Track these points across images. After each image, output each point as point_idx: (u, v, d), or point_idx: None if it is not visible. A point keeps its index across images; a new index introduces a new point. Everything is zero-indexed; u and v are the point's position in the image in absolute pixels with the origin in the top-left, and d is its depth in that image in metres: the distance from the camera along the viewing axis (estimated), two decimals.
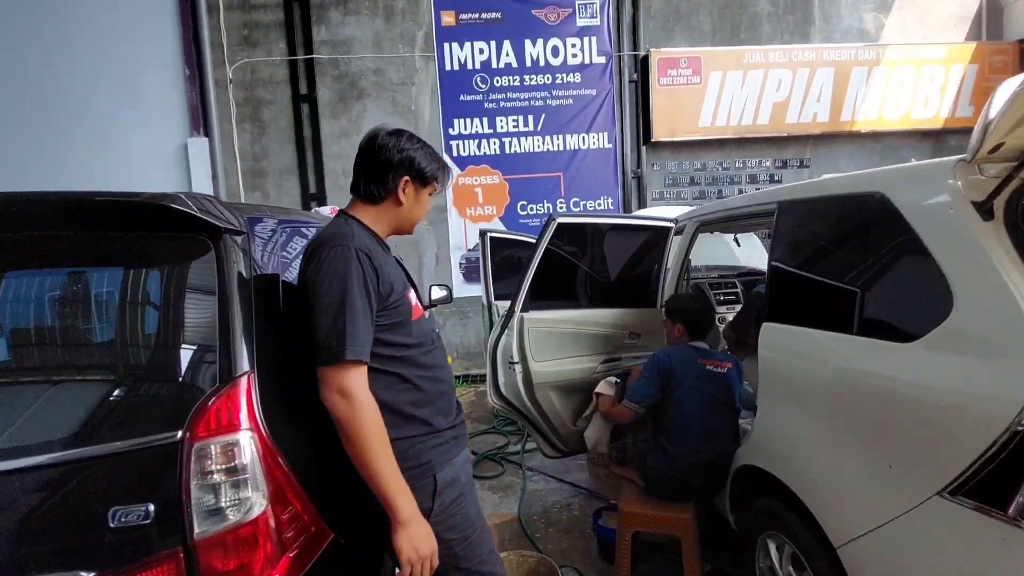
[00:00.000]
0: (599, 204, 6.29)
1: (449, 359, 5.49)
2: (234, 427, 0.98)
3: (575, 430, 2.64)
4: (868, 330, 1.48)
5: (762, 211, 2.14)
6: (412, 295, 1.29)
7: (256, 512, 0.98)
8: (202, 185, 5.48)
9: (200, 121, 5.57)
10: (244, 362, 1.04)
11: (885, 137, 6.52)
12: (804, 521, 1.67)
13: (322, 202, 5.66)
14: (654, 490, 2.14)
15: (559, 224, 2.42)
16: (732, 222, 2.69)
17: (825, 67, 6.21)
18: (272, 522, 1.00)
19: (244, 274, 1.16)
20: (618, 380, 2.48)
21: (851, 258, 1.63)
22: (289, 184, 5.80)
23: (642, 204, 6.28)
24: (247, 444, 0.97)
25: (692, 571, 2.01)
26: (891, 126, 6.39)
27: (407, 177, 1.30)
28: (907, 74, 6.30)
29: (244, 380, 1.02)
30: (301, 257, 1.23)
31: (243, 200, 5.62)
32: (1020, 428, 1.04)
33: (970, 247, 1.24)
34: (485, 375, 2.59)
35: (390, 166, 1.27)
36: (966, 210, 1.27)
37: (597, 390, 2.52)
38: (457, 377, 5.85)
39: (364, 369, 1.10)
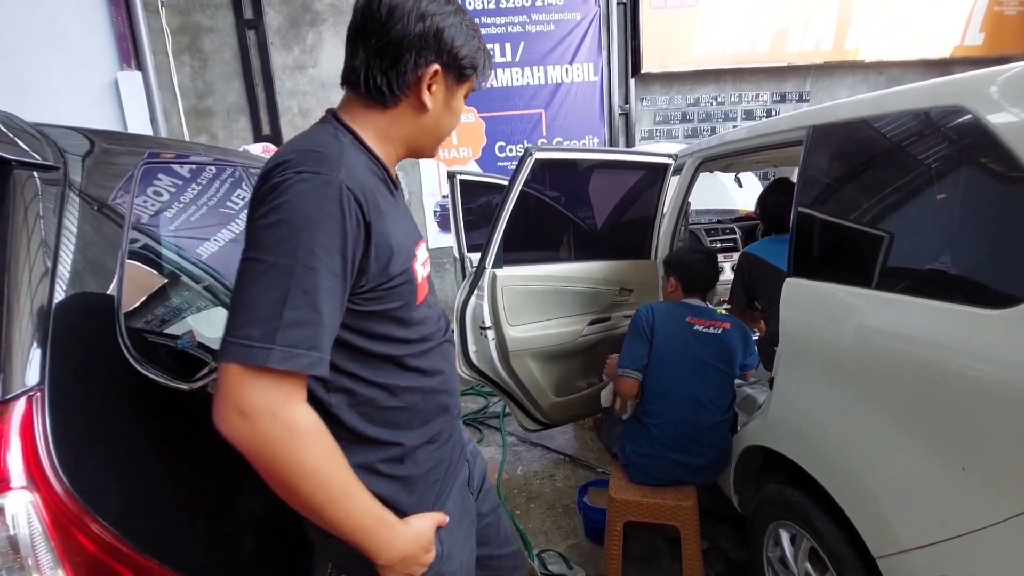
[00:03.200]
0: (584, 144, 5.78)
1: None
2: None
3: (558, 401, 2.32)
4: (942, 292, 1.13)
5: (785, 140, 1.75)
6: (419, 264, 0.86)
7: None
8: (139, 126, 4.87)
9: (131, 53, 4.88)
10: (27, 374, 0.65)
11: (889, 68, 6.05)
12: (831, 516, 1.39)
13: (278, 144, 5.09)
14: (639, 479, 1.84)
15: (537, 160, 2.00)
16: (740, 157, 2.28)
17: None
18: None
19: (44, 233, 0.75)
20: None
21: (916, 199, 1.25)
22: (239, 125, 5.19)
23: (630, 143, 5.81)
24: (20, 509, 0.60)
25: (692, 564, 1.74)
26: (896, 55, 5.90)
27: (436, 66, 0.79)
28: None
29: (20, 405, 0.63)
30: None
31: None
32: None
33: None
34: None
35: (409, 44, 0.77)
36: None
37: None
38: None
39: (297, 385, 0.67)
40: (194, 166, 1.38)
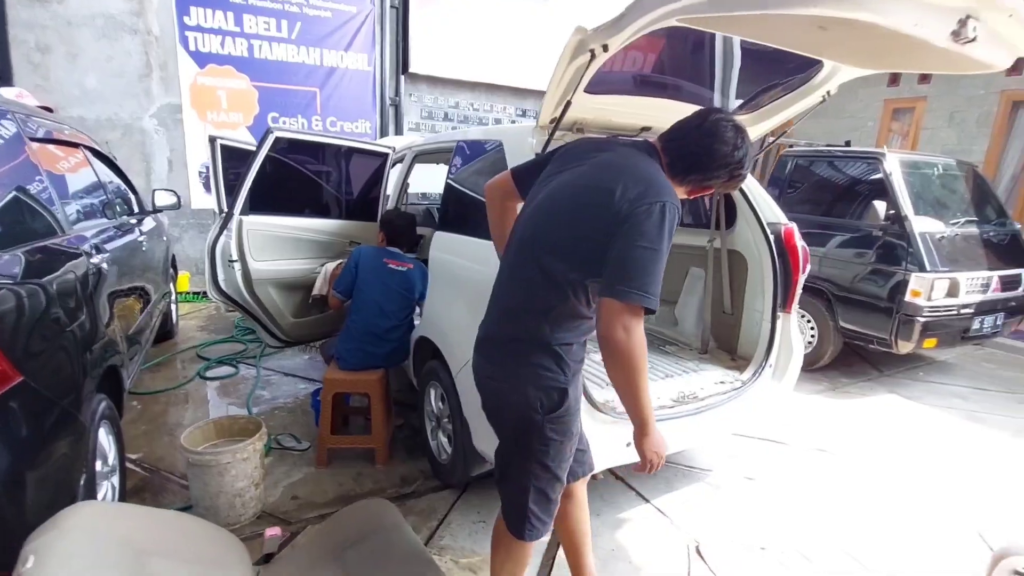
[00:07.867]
0: (356, 127, 6.44)
1: (186, 275, 5.35)
2: None
3: (295, 322, 3.04)
4: (478, 233, 2.19)
5: (450, 148, 2.76)
6: None
7: None
8: None
9: None
10: None
11: None
12: (445, 369, 2.41)
13: (7, 81, 4.65)
14: (344, 365, 2.67)
15: (277, 138, 2.68)
16: (440, 155, 3.29)
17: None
18: None
19: None
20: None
21: (472, 189, 2.33)
22: None
23: (399, 131, 6.64)
24: None
25: (378, 420, 2.65)
26: None
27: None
28: None
29: None
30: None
31: None
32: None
33: None
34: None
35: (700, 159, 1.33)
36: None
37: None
38: (195, 293, 5.62)
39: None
40: None
